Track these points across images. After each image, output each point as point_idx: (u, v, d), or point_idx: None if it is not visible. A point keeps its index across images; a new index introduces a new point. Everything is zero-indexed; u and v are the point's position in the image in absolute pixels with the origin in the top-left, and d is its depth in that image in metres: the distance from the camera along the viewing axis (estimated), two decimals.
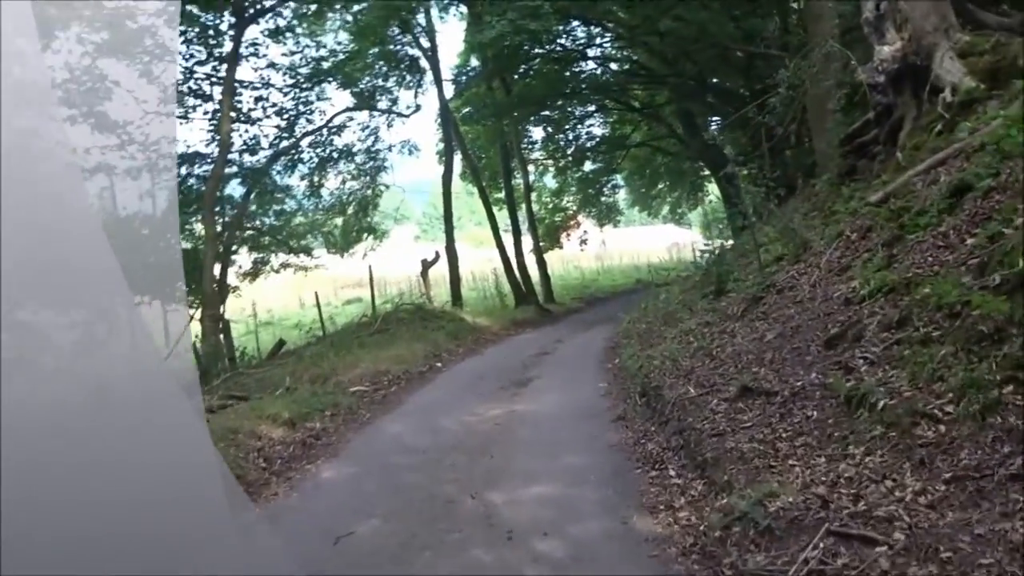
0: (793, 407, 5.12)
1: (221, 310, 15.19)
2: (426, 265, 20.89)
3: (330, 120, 19.01)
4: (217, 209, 17.02)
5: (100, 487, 5.67)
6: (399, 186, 23.39)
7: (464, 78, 22.68)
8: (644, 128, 30.82)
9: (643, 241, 54.40)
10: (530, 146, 28.73)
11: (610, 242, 46.71)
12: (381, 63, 20.35)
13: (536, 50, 22.86)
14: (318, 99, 18.59)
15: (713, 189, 36.60)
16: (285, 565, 4.90)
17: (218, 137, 16.70)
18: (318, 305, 16.65)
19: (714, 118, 28.19)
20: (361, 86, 20.16)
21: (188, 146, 16.64)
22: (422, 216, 70.46)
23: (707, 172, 32.80)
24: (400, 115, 21.59)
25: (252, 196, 17.89)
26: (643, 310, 14.78)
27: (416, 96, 22.07)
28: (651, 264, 39.47)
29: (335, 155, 19.91)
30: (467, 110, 24.92)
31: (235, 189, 17.80)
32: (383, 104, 21.16)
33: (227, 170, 16.88)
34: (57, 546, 4.76)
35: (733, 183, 11.85)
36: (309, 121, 18.51)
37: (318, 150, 19.40)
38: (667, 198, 39.82)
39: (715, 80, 24.03)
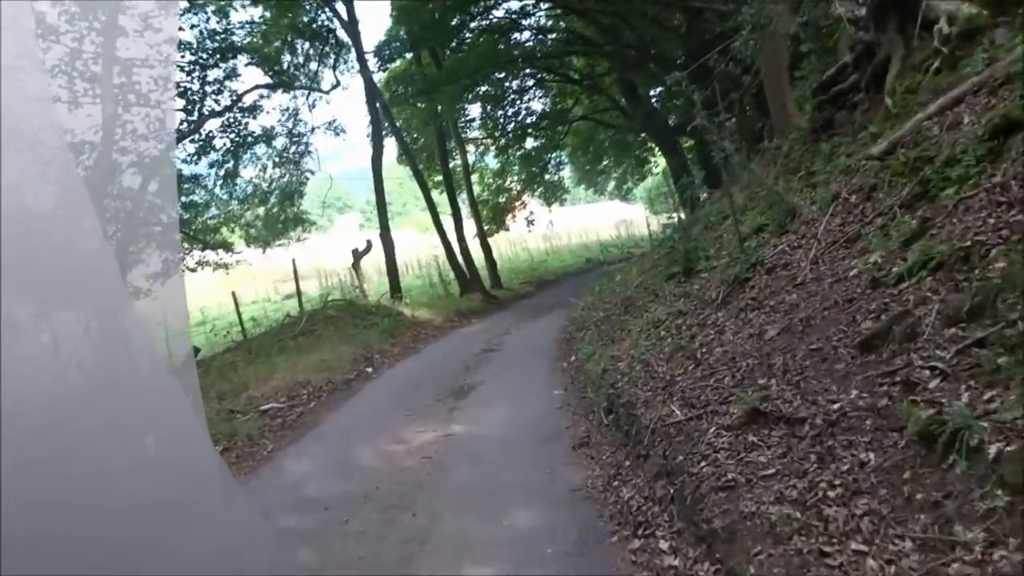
0: (835, 444, 3.45)
1: (121, 318, 12.99)
2: (357, 255, 18.64)
3: (239, 98, 16.65)
4: (118, 205, 14.86)
5: None
6: (327, 172, 21.23)
7: (388, 51, 20.41)
8: (585, 101, 29.06)
9: (590, 219, 53.15)
10: (467, 125, 26.78)
11: (557, 221, 45.07)
12: (295, 36, 18.09)
13: (467, 22, 21.05)
14: (227, 77, 16.26)
15: (659, 162, 35.35)
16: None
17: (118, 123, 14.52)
18: (236, 305, 14.57)
19: (657, 89, 26.77)
20: (276, 66, 17.94)
21: (72, 135, 14.21)
22: (366, 204, 68.12)
23: (652, 144, 31.61)
24: (318, 90, 19.41)
25: (156, 188, 15.59)
26: (597, 294, 13.17)
27: (336, 71, 19.83)
28: (601, 242, 38.16)
29: (250, 139, 17.56)
30: (398, 90, 22.83)
31: (135, 180, 15.45)
32: (300, 81, 18.90)
33: (123, 158, 14.65)
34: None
35: (703, 136, 10.18)
36: (217, 102, 16.22)
37: (231, 135, 17.04)
38: (612, 174, 38.19)
39: (653, 52, 22.33)
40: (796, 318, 4.92)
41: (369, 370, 10.95)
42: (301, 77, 19.03)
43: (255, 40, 17.36)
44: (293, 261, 16.13)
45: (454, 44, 21.82)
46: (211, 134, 16.90)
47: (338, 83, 19.82)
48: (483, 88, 23.52)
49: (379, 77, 22.28)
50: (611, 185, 42.04)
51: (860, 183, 6.27)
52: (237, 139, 17.07)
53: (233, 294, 14.96)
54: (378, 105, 19.38)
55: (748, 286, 6.29)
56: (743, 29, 9.05)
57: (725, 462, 3.84)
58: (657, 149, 31.61)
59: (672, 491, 4.08)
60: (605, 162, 35.83)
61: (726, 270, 6.82)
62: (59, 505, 5.42)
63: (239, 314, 14.41)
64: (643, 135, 28.93)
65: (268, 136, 18.25)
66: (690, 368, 5.37)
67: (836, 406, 3.69)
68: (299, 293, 15.97)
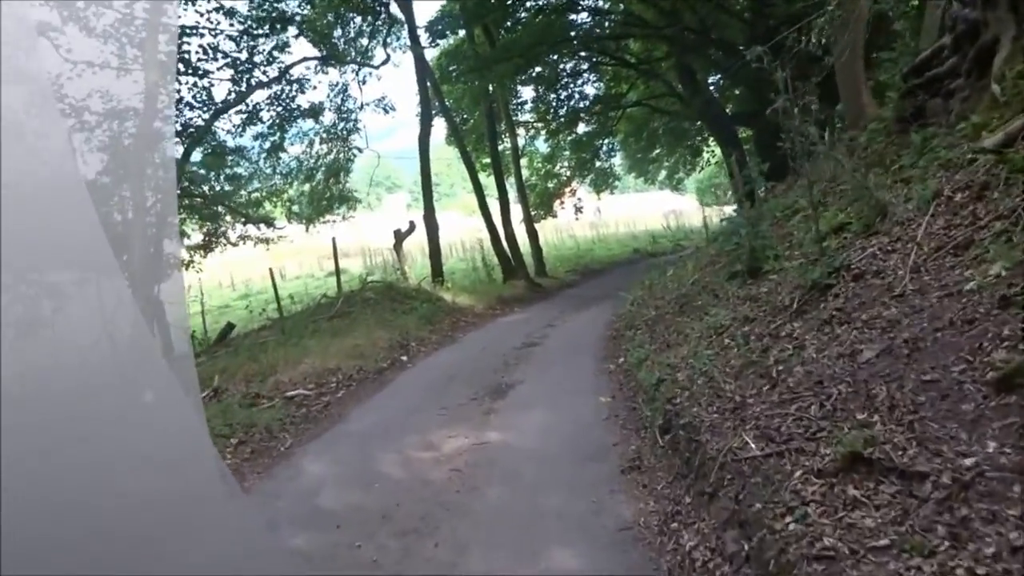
0: (971, 514, 2.65)
1: (156, 290, 12.58)
2: (399, 236, 17.82)
3: (287, 70, 16.03)
4: (160, 175, 14.52)
5: None
6: (374, 150, 20.62)
7: (440, 27, 19.46)
8: (641, 87, 27.91)
9: (639, 208, 52.17)
10: (519, 107, 25.97)
11: (605, 209, 44.03)
12: (347, 9, 17.35)
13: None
14: (275, 48, 15.61)
15: (714, 152, 34.07)
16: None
17: (163, 91, 14.17)
18: (273, 281, 14.04)
19: (715, 76, 25.66)
20: (327, 37, 17.25)
21: (116, 101, 13.80)
22: (414, 184, 67.96)
23: (707, 134, 30.40)
24: (368, 65, 18.76)
25: (200, 159, 15.20)
26: (648, 288, 12.35)
27: (387, 47, 19.09)
28: (650, 232, 37.22)
29: (297, 113, 16.91)
30: (449, 67, 22.08)
31: (178, 150, 15.04)
32: (350, 56, 18.21)
33: (167, 127, 14.23)
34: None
35: (770, 123, 9.29)
36: (265, 74, 15.62)
37: (278, 108, 16.46)
38: (664, 162, 36.91)
39: (714, 36, 21.09)
40: (899, 338, 4.08)
41: (404, 359, 10.32)
42: (351, 51, 18.39)
43: (306, 11, 16.73)
44: (333, 240, 15.56)
45: (509, 24, 21.00)
46: (258, 106, 16.40)
47: (388, 58, 19.19)
48: (536, 69, 22.62)
49: (431, 55, 21.68)
50: (662, 174, 40.74)
51: (967, 180, 5.37)
52: (284, 112, 16.50)
53: (271, 271, 14.44)
54: (428, 83, 18.68)
55: (831, 294, 5.42)
56: (829, 5, 8.08)
57: (819, 520, 3.05)
58: (712, 139, 30.53)
59: (747, 548, 3.31)
60: (657, 150, 34.61)
61: (804, 274, 5.95)
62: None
63: (276, 291, 13.88)
64: (699, 123, 27.82)
65: (316, 111, 17.65)
66: (765, 389, 4.56)
67: (968, 461, 2.88)
68: (338, 273, 15.40)
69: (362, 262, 34.51)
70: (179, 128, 14.35)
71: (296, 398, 8.44)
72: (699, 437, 4.45)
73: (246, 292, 29.43)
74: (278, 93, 16.28)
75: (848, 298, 5.12)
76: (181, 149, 14.28)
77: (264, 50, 15.85)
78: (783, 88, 6.13)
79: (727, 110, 25.26)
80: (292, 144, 18.03)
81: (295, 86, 16.48)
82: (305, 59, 16.39)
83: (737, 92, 26.01)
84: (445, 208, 68.34)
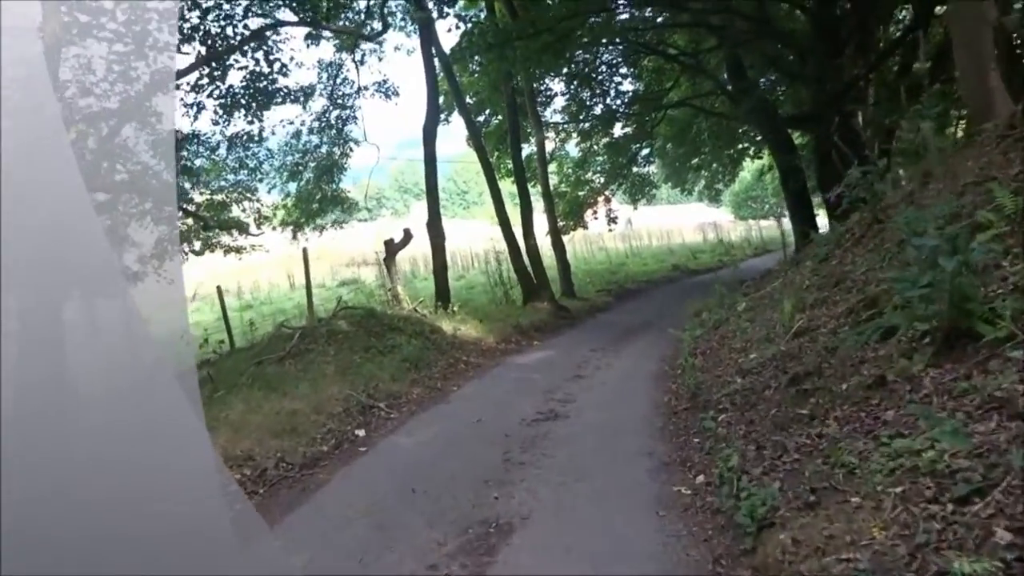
0: None
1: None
2: (391, 248, 13.37)
3: (258, 34, 12.11)
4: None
5: None
6: (373, 143, 17.13)
7: None
8: (684, 84, 24.05)
9: (671, 220, 48.79)
10: (547, 102, 22.33)
11: (636, 221, 40.43)
12: None
13: None
14: (256, 14, 11.97)
15: (754, 162, 30.42)
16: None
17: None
18: (222, 303, 10.57)
19: (766, 76, 21.95)
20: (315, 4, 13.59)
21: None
22: (441, 191, 64.82)
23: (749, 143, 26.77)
24: (365, 38, 15.11)
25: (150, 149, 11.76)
26: (711, 327, 8.83)
27: (384, 16, 15.26)
28: (687, 245, 33.77)
29: (275, 90, 13.10)
30: (465, 47, 18.31)
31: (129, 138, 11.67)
32: (333, 20, 14.35)
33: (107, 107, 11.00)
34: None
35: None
36: (242, 50, 11.84)
37: (251, 89, 12.71)
38: (704, 171, 32.83)
39: (769, 27, 17.19)
40: None
41: (360, 434, 6.74)
42: (341, 20, 14.64)
43: None
44: (304, 251, 11.96)
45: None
46: (232, 89, 12.81)
47: (387, 27, 15.36)
48: (567, 54, 18.73)
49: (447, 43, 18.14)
50: (700, 184, 36.64)
51: None
52: (252, 89, 12.66)
53: (218, 289, 10.98)
54: (435, 58, 15.05)
55: None
56: None
57: None
58: (752, 144, 26.87)
59: None
60: (697, 159, 30.46)
61: None
62: None
63: (226, 320, 10.42)
64: (746, 127, 24.16)
65: (304, 93, 14.12)
66: None
67: None
68: (309, 296, 11.69)
69: (378, 271, 31.14)
70: (134, 114, 10.90)
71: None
72: None
73: (249, 303, 26.27)
74: (254, 72, 12.64)
75: None
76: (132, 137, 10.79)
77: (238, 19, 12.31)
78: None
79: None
80: (274, 133, 14.58)
81: (276, 65, 12.81)
82: (279, 23, 12.45)
83: (785, 91, 22.44)
84: (474, 216, 65.01)
